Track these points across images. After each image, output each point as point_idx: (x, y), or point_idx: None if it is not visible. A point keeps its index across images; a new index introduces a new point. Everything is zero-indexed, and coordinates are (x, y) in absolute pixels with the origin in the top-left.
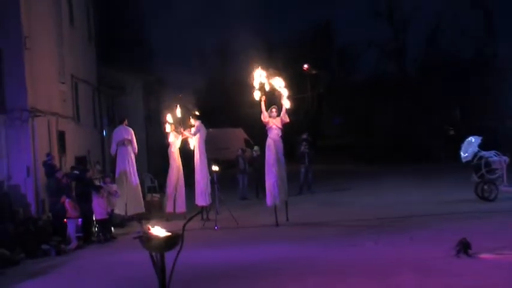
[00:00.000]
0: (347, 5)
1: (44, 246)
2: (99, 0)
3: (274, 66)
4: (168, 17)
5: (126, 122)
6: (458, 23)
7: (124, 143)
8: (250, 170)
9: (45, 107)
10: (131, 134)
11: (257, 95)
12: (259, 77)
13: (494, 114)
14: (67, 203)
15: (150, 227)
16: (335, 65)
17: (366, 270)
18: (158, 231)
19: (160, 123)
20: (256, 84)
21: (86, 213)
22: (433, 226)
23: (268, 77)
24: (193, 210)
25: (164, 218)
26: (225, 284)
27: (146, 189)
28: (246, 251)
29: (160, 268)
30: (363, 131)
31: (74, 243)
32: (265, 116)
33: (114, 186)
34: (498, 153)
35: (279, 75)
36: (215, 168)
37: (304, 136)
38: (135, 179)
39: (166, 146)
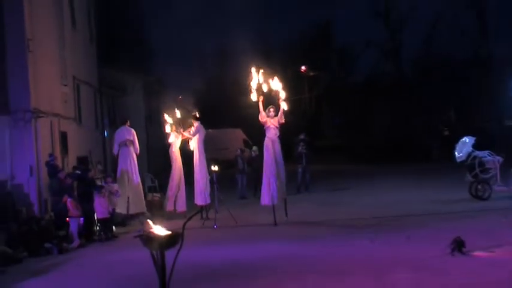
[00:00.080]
0: (345, 5)
1: (47, 245)
2: (100, 3)
3: (272, 67)
4: (167, 18)
5: (128, 122)
6: (454, 24)
7: (126, 143)
8: (248, 170)
9: (48, 108)
10: (133, 135)
11: (254, 96)
12: (258, 77)
13: (489, 114)
14: (69, 202)
15: (150, 223)
16: (334, 65)
17: (363, 268)
18: (159, 230)
19: (161, 124)
20: (254, 85)
21: (88, 212)
22: (428, 225)
23: (267, 78)
24: (193, 210)
25: (165, 217)
26: (224, 282)
27: (147, 189)
28: (245, 249)
29: (160, 266)
30: (360, 131)
31: (76, 242)
32: (263, 116)
33: (115, 186)
34: (492, 153)
35: (277, 76)
36: (214, 168)
37: (302, 137)
38: (136, 178)
39: (166, 146)
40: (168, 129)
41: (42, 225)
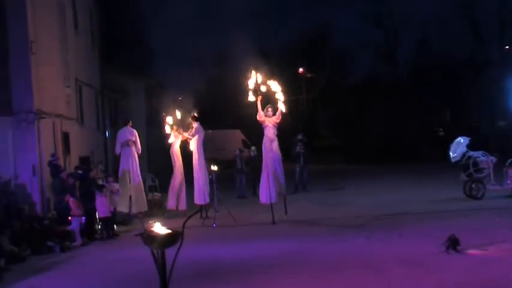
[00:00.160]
0: (341, 9)
1: (49, 243)
2: (101, 6)
3: (271, 68)
4: (167, 20)
5: (130, 123)
6: (449, 27)
7: (128, 143)
8: (247, 170)
9: (51, 109)
10: (135, 135)
11: (252, 96)
12: (256, 78)
13: (483, 115)
14: (71, 201)
15: (151, 223)
16: (331, 67)
17: (358, 265)
18: (159, 228)
19: (161, 125)
20: (252, 85)
21: (90, 211)
22: (423, 223)
23: (265, 78)
24: (193, 209)
25: (165, 216)
26: (224, 279)
27: (147, 189)
28: (244, 247)
29: (161, 264)
30: (357, 131)
31: (78, 241)
32: (261, 115)
33: (116, 186)
34: (486, 153)
35: (276, 78)
36: (214, 168)
37: (300, 137)
38: (138, 178)
39: (167, 146)
40: (168, 130)
41: (45, 224)
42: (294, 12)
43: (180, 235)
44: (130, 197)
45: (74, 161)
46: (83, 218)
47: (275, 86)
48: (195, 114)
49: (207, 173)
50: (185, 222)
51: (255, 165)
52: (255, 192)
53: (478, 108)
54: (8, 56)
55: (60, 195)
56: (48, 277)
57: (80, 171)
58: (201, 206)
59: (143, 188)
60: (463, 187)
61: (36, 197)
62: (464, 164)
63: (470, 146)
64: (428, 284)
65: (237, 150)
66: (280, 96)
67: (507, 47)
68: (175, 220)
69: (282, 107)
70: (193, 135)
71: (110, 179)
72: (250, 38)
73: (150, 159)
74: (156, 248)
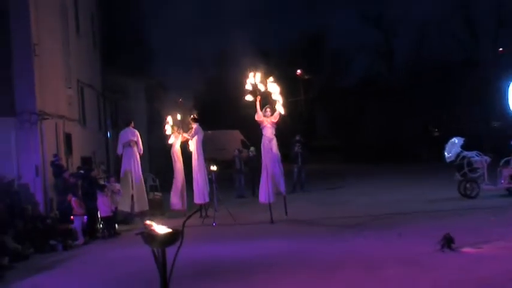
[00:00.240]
0: (339, 10)
1: (52, 242)
2: (103, 8)
3: (269, 69)
4: (167, 21)
5: (132, 124)
6: (444, 28)
7: (130, 144)
8: (246, 170)
9: (53, 111)
10: (137, 136)
11: (250, 97)
12: (254, 79)
13: (478, 116)
14: (73, 201)
15: (151, 223)
16: (328, 69)
17: (355, 264)
18: (159, 227)
19: (162, 125)
20: (250, 86)
21: (91, 210)
22: (419, 222)
23: (264, 80)
24: (193, 208)
25: (165, 215)
26: (223, 278)
27: (148, 188)
28: (243, 246)
29: (161, 263)
30: (354, 132)
31: (81, 239)
32: (259, 116)
33: (118, 185)
34: (480, 153)
35: (275, 79)
36: (213, 168)
37: (298, 137)
38: (139, 178)
39: (168, 147)
40: (168, 130)
41: (48, 223)
42: (292, 13)
43: (180, 234)
44: (132, 196)
45: (76, 161)
46: (85, 217)
47: (274, 87)
48: (195, 116)
49: (206, 173)
50: (185, 221)
51: (253, 166)
52: (254, 192)
53: (473, 109)
54: (12, 58)
55: (63, 195)
56: (51, 275)
57: (82, 171)
58: (200, 206)
59: (144, 187)
60: (458, 186)
61: (39, 197)
62: (458, 164)
63: (465, 146)
64: (424, 282)
65: (236, 151)
66: (278, 97)
67: (501, 48)
68: (175, 219)
69: (280, 109)
70: (192, 136)
71: (112, 179)
72: (249, 38)
73: (151, 159)
74: (157, 246)
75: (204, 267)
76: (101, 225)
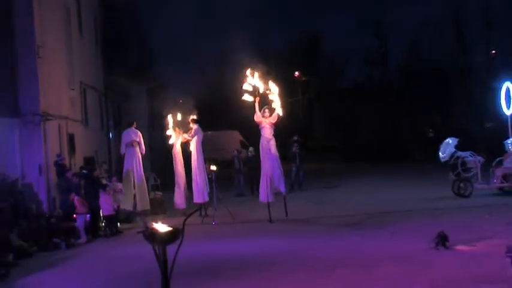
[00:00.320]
0: (335, 14)
1: (55, 240)
2: (105, 10)
3: (268, 71)
4: (168, 24)
5: (135, 124)
6: (438, 31)
7: (132, 144)
8: (245, 170)
9: (56, 112)
10: (139, 136)
11: (248, 97)
12: (254, 81)
13: (471, 117)
14: (76, 200)
15: (152, 222)
16: (324, 71)
17: (352, 262)
18: (160, 226)
19: (163, 126)
20: (249, 87)
21: (94, 209)
22: (414, 221)
23: (263, 80)
24: (193, 207)
25: (166, 214)
26: (223, 275)
27: (150, 188)
28: (242, 244)
29: (162, 260)
30: (350, 132)
31: (83, 238)
32: (258, 116)
33: (120, 185)
34: (473, 153)
35: (274, 81)
36: (213, 167)
37: (295, 138)
38: (141, 177)
39: (169, 147)
40: (169, 131)
41: (51, 222)
42: (291, 14)
43: (181, 232)
44: (134, 195)
45: (78, 161)
46: (88, 216)
47: (273, 88)
48: (194, 117)
49: (205, 173)
50: (185, 220)
51: (252, 165)
52: (253, 191)
53: (467, 110)
54: (16, 59)
55: (66, 194)
56: (54, 272)
57: (85, 171)
58: (200, 205)
59: (146, 187)
60: (452, 186)
61: (42, 196)
62: (452, 163)
63: (459, 147)
64: (419, 279)
65: (235, 151)
66: (277, 99)
67: (493, 51)
68: (176, 218)
69: (279, 111)
70: (192, 137)
71: (114, 178)
72: (249, 38)
73: (152, 159)
74: (158, 244)
75: (204, 265)
76: (103, 224)
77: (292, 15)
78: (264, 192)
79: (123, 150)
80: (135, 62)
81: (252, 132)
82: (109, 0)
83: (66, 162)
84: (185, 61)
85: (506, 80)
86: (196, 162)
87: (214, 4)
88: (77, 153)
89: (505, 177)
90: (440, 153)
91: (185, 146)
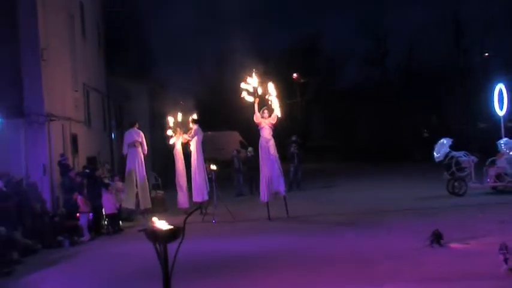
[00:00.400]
0: (335, 15)
1: (59, 238)
2: (107, 14)
3: (267, 72)
4: (169, 25)
5: (137, 125)
6: (434, 33)
7: (134, 144)
8: (244, 169)
9: (60, 112)
10: (141, 137)
11: (248, 98)
12: (253, 82)
13: (466, 118)
14: (79, 199)
15: (154, 220)
16: (324, 71)
17: (348, 259)
18: (161, 224)
19: (164, 126)
20: (249, 88)
21: (97, 208)
22: (409, 219)
23: (262, 81)
24: (192, 206)
25: (167, 212)
26: (223, 272)
27: (151, 187)
28: (241, 242)
29: (163, 258)
30: (348, 133)
31: (86, 236)
32: (257, 117)
33: (122, 184)
34: (467, 153)
35: (273, 82)
36: (213, 167)
37: (294, 138)
38: (143, 177)
39: (170, 147)
40: (169, 132)
41: (55, 220)
42: (290, 15)
43: (182, 231)
44: (137, 194)
45: (81, 160)
46: (91, 214)
47: (272, 90)
48: (194, 117)
49: (205, 172)
50: (186, 218)
51: (251, 165)
52: (252, 190)
53: (461, 111)
54: (20, 62)
55: (69, 193)
56: (58, 270)
57: (88, 171)
58: (200, 204)
59: (148, 186)
60: (446, 185)
61: (46, 195)
62: (447, 163)
63: (453, 147)
64: (413, 277)
65: (235, 151)
66: (275, 100)
67: (487, 54)
68: (176, 217)
69: (278, 112)
70: (192, 137)
71: (116, 177)
72: (249, 39)
73: (153, 158)
74: (159, 242)
75: (204, 263)
76: (106, 222)
77: (292, 15)
78: (263, 193)
79: (125, 150)
80: (135, 62)
81: (252, 133)
82: (111, 3)
83: (70, 162)
84: (185, 61)
85: (500, 82)
86: (196, 162)
87: (214, 4)
88: (80, 153)
89: (498, 177)
90: (435, 153)
91: (185, 146)
